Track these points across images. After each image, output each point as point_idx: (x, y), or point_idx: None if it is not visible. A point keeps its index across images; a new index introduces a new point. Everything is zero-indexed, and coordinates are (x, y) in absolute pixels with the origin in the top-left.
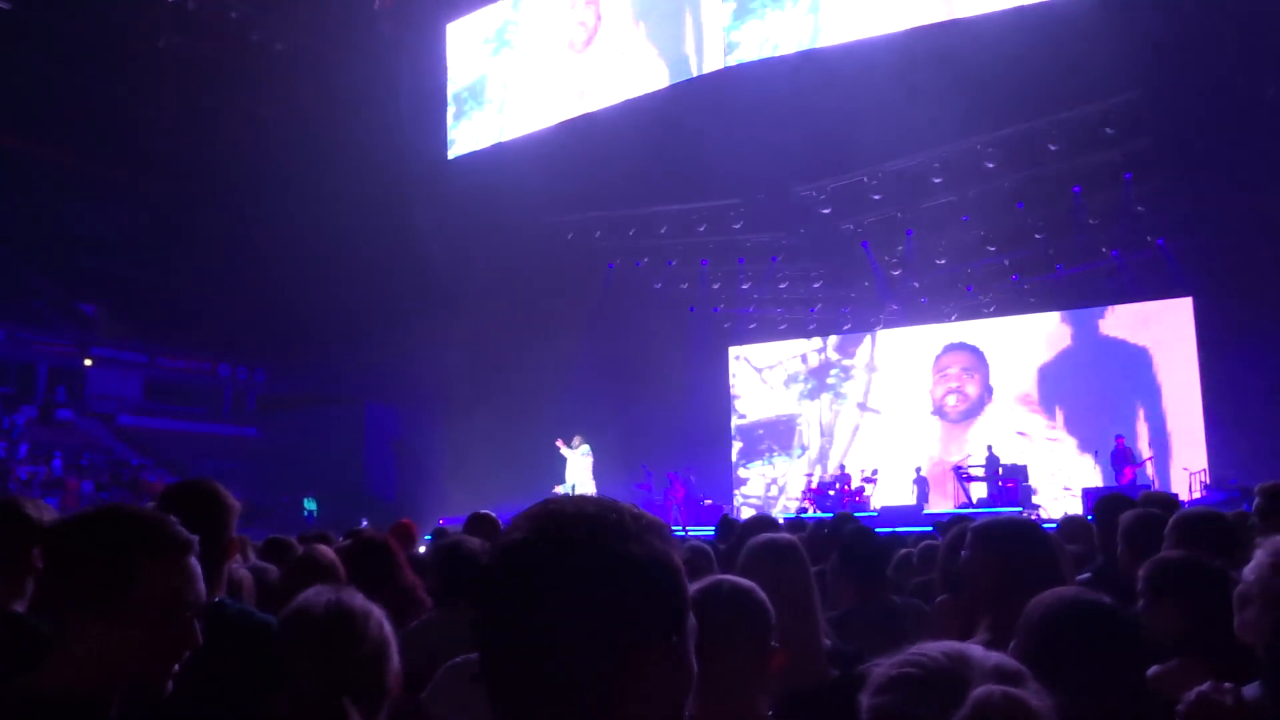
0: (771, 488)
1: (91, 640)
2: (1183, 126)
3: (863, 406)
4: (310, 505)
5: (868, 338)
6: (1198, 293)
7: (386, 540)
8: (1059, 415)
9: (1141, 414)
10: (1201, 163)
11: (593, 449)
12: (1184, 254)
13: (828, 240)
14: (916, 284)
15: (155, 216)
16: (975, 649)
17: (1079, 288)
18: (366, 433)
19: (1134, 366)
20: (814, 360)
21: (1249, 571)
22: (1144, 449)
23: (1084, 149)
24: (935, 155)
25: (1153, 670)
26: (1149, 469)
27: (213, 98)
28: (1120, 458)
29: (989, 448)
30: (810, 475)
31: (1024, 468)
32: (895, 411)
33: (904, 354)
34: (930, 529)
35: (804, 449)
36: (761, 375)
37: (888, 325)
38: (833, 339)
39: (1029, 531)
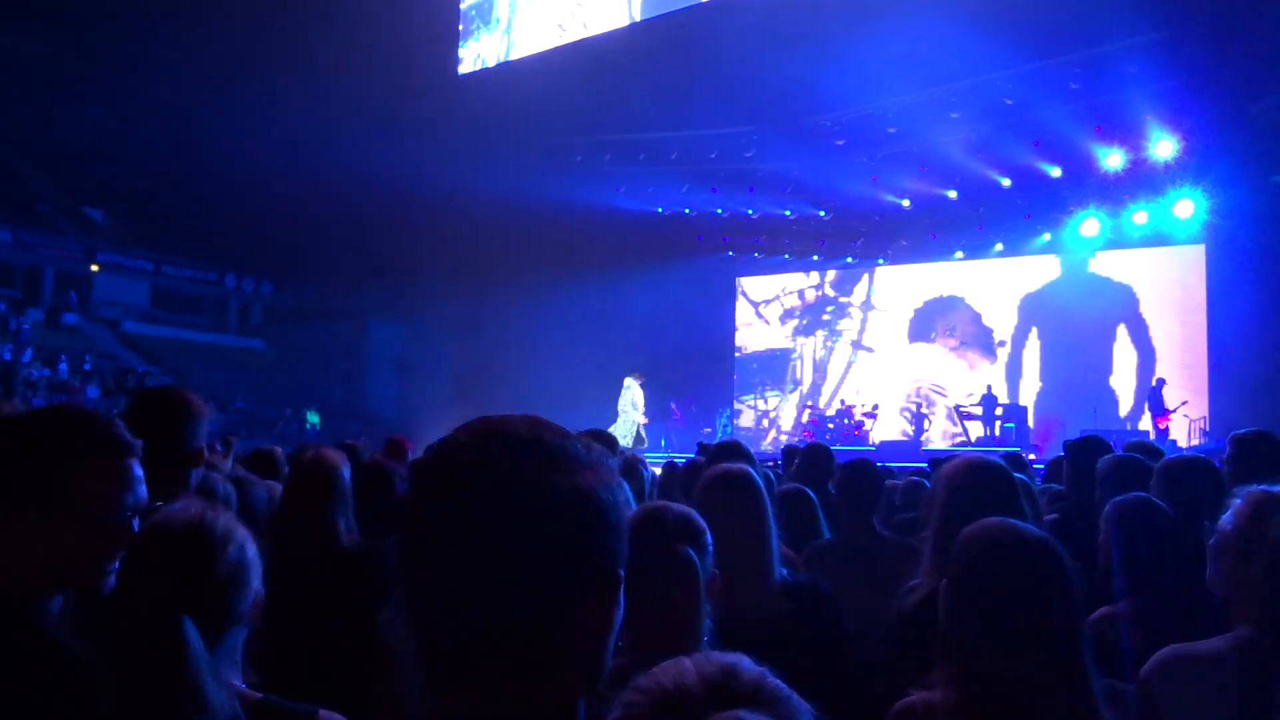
0: (763, 420)
1: (24, 538)
2: (1204, 71)
3: (856, 344)
4: (313, 418)
5: (865, 275)
6: (1211, 241)
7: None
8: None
9: (1140, 358)
10: (1221, 112)
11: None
12: (1200, 202)
13: (839, 172)
14: (927, 220)
15: (164, 124)
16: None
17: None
18: (369, 349)
19: (1141, 310)
20: (810, 296)
21: (1224, 523)
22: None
23: (1104, 89)
24: (952, 89)
25: (1098, 613)
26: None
27: (223, 8)
28: (1157, 403)
29: (988, 386)
30: (811, 407)
31: (1024, 408)
32: (891, 348)
33: (905, 291)
34: (925, 465)
35: (796, 384)
36: (758, 309)
37: (893, 261)
38: (831, 274)
39: (984, 467)
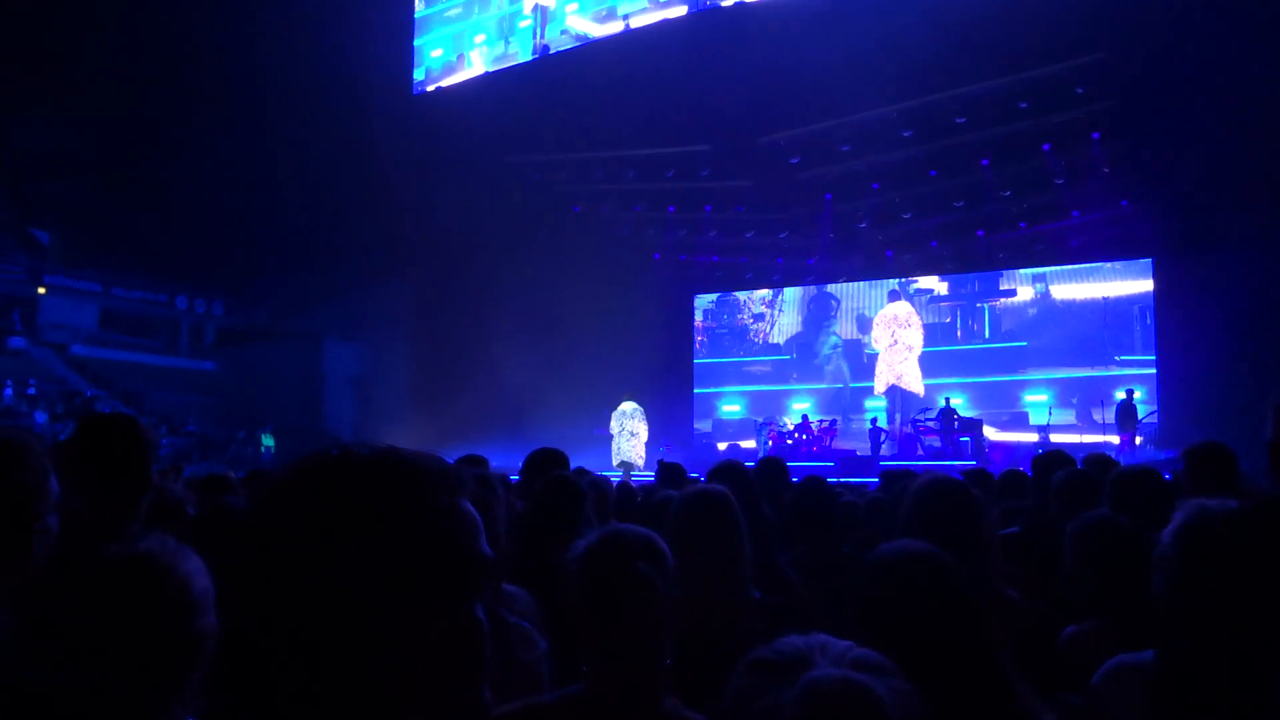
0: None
1: None
2: (1148, 88)
3: (812, 360)
4: (268, 441)
5: (821, 291)
6: (1158, 253)
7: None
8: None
9: (1098, 371)
10: (1165, 126)
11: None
12: (1146, 216)
13: (794, 191)
14: (881, 237)
15: (113, 143)
16: (841, 642)
17: (1042, 246)
18: (325, 369)
19: (1094, 323)
20: (767, 313)
21: (1166, 534)
22: (1099, 406)
23: (1053, 108)
24: (904, 109)
25: (1068, 631)
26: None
27: (173, 22)
28: (1124, 415)
29: (946, 399)
30: (769, 422)
31: (979, 421)
32: (847, 363)
33: (861, 307)
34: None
35: (754, 400)
36: (715, 326)
37: (850, 278)
38: (787, 291)
39: (946, 486)
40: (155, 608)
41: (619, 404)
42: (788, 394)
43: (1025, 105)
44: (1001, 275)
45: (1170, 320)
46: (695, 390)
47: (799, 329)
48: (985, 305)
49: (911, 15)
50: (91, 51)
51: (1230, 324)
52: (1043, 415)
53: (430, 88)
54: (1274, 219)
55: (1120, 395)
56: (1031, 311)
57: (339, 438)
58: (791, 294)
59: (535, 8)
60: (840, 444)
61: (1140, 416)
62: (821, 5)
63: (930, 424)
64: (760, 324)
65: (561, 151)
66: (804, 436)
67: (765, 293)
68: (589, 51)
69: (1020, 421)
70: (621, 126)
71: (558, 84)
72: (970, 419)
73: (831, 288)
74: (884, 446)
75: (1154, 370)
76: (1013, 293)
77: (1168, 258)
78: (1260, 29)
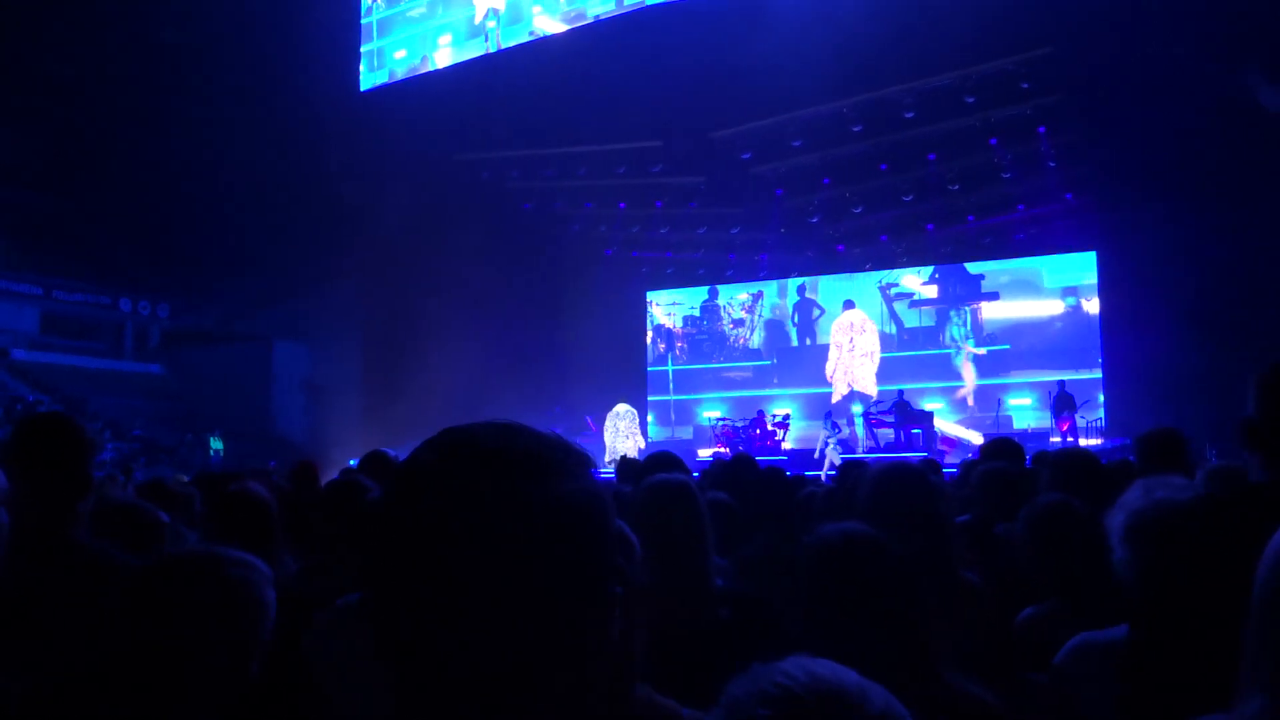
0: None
1: None
2: (1093, 83)
3: (765, 354)
4: (216, 444)
5: (776, 286)
6: (1102, 247)
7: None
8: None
9: (1043, 363)
10: (1110, 120)
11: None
12: (1090, 209)
13: (746, 186)
14: (831, 231)
15: (53, 143)
16: (850, 683)
17: (990, 239)
18: (275, 371)
19: (1038, 317)
20: (720, 308)
21: (1125, 517)
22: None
23: (1000, 103)
24: (855, 103)
25: (1025, 613)
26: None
27: (115, 21)
28: (1059, 404)
29: (899, 394)
30: (723, 418)
31: (930, 414)
32: (801, 358)
33: (814, 301)
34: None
35: (710, 394)
36: (668, 323)
37: (801, 273)
38: (741, 286)
39: (902, 471)
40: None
41: (614, 405)
42: (769, 399)
43: (972, 100)
44: (984, 278)
45: (1114, 311)
46: (675, 396)
47: (781, 334)
48: (967, 308)
49: (861, 10)
50: (30, 51)
51: (1173, 314)
52: (1027, 419)
53: (377, 83)
54: (1214, 212)
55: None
56: (1014, 314)
57: (289, 440)
58: (772, 299)
59: (489, 11)
60: (793, 439)
61: (1078, 406)
62: (768, 2)
63: (883, 416)
64: (740, 329)
65: (512, 149)
66: (758, 431)
67: (745, 298)
68: (539, 48)
69: (1005, 425)
70: (572, 123)
71: (508, 81)
72: (922, 411)
73: (812, 294)
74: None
75: (1099, 360)
76: (995, 295)
77: (1111, 250)
78: (1203, 25)
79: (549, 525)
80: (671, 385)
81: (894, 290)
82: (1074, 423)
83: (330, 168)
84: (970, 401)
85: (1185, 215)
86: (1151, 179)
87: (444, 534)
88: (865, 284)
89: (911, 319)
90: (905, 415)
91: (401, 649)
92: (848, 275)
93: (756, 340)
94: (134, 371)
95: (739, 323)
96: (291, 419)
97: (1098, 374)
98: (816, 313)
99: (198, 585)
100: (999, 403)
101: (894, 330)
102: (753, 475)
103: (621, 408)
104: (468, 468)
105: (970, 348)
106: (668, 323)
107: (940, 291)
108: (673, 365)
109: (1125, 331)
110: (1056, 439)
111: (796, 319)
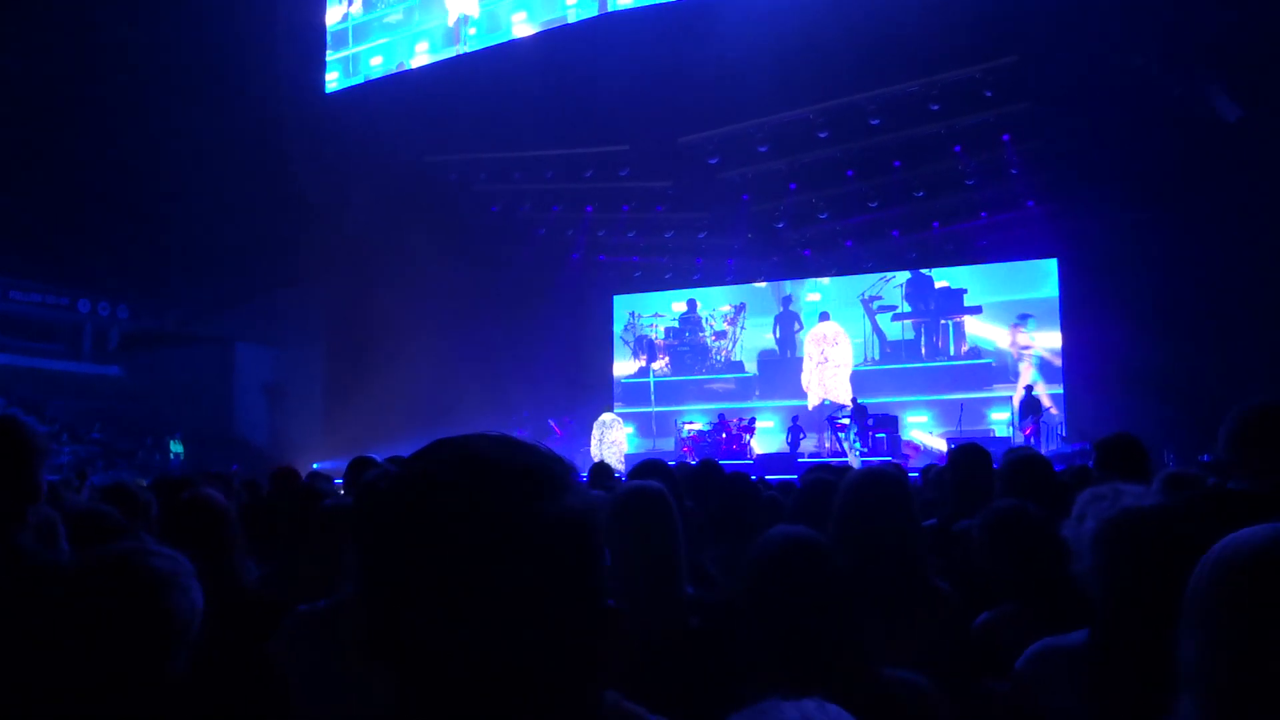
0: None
1: None
2: (1056, 92)
3: (731, 360)
4: (177, 448)
5: (741, 292)
6: (1063, 255)
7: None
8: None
9: (1005, 370)
10: (1072, 129)
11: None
12: (1052, 217)
13: (713, 191)
14: (797, 237)
15: (9, 139)
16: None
17: (953, 245)
18: (237, 374)
19: (999, 319)
20: (687, 311)
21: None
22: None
23: (964, 110)
24: (821, 110)
25: (983, 617)
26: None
27: (74, 18)
28: (1026, 408)
29: (854, 399)
30: (689, 424)
31: (895, 418)
32: (766, 362)
33: (780, 306)
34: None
35: (675, 400)
36: (634, 326)
37: (768, 278)
38: (706, 291)
39: (878, 477)
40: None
41: (600, 414)
42: (752, 411)
43: (937, 108)
44: (965, 292)
45: (1074, 319)
46: (656, 408)
47: (763, 346)
48: (949, 321)
49: (827, 17)
50: None
51: (1133, 322)
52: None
53: (342, 85)
54: (1173, 221)
55: (1020, 393)
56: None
57: (251, 444)
58: (755, 310)
59: (461, 16)
60: (759, 444)
61: (1043, 411)
62: (734, 8)
63: (845, 421)
64: (723, 341)
65: (478, 151)
66: (723, 436)
67: (727, 309)
68: (507, 51)
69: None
70: (540, 126)
71: (475, 83)
72: (885, 415)
73: (795, 305)
74: (801, 444)
75: (1059, 365)
76: (978, 309)
77: (1072, 258)
78: (1163, 37)
79: (551, 539)
80: (653, 396)
81: (876, 304)
82: (1037, 427)
83: (295, 168)
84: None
85: (1146, 223)
86: (1112, 186)
87: (453, 545)
88: (847, 296)
89: (894, 331)
90: (866, 420)
91: (403, 650)
92: (833, 283)
93: (739, 352)
94: (92, 374)
95: (721, 334)
96: (254, 422)
97: (1059, 389)
98: (797, 326)
99: (107, 584)
100: (983, 416)
101: (876, 343)
102: (717, 481)
103: (607, 416)
104: (473, 481)
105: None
106: (650, 334)
107: (921, 304)
108: (654, 377)
109: (1086, 338)
110: (1020, 440)
111: (778, 332)
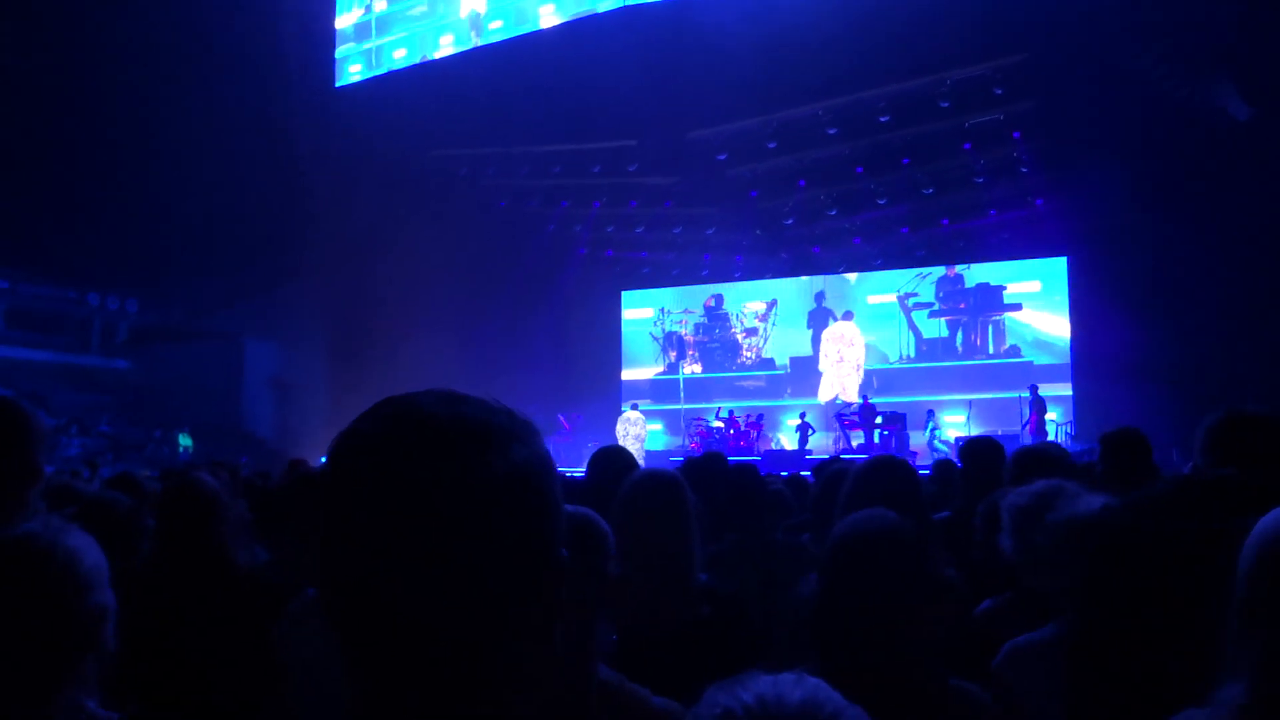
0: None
1: None
2: (1066, 90)
3: (739, 356)
4: (185, 441)
5: (750, 287)
6: (1073, 252)
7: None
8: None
9: (1015, 367)
10: (1081, 127)
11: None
12: (1062, 214)
13: (721, 187)
14: (806, 233)
15: (18, 132)
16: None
17: (963, 243)
18: (245, 368)
19: (1008, 317)
20: (695, 307)
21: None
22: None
23: (974, 108)
24: (830, 106)
25: (982, 606)
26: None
27: (80, 13)
28: (1034, 405)
29: (863, 396)
30: (698, 420)
31: (903, 415)
32: (776, 358)
33: (790, 303)
34: (808, 474)
35: (683, 396)
36: (643, 320)
37: (776, 274)
38: (715, 287)
39: (889, 463)
40: (40, 587)
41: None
42: (782, 409)
43: (947, 105)
44: (1004, 289)
45: (1084, 317)
46: (685, 405)
47: (795, 343)
48: (987, 319)
49: (837, 14)
50: None
51: (1143, 321)
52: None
53: (352, 79)
54: (1183, 219)
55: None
56: (1037, 326)
57: (259, 437)
58: (787, 307)
59: (472, 13)
60: (767, 440)
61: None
62: (750, 2)
63: (853, 418)
64: (754, 338)
65: (487, 146)
66: (731, 431)
67: (759, 306)
68: (516, 46)
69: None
70: (548, 121)
71: (486, 78)
72: (892, 413)
73: (828, 302)
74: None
75: (1069, 364)
76: (1018, 306)
77: (1082, 256)
78: (1173, 36)
79: (494, 495)
80: (682, 394)
81: (912, 300)
82: (1037, 420)
83: (303, 163)
84: None
85: (1155, 222)
86: (1122, 185)
87: (383, 506)
88: (882, 294)
89: (931, 329)
90: (873, 417)
91: (347, 624)
92: (867, 279)
93: (770, 349)
94: (101, 367)
95: (752, 331)
96: (261, 416)
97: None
98: (831, 321)
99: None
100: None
101: (912, 340)
102: (723, 473)
103: (631, 414)
104: (408, 437)
105: None
106: (680, 330)
107: (958, 301)
108: (683, 374)
109: (1094, 336)
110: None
111: (812, 330)
